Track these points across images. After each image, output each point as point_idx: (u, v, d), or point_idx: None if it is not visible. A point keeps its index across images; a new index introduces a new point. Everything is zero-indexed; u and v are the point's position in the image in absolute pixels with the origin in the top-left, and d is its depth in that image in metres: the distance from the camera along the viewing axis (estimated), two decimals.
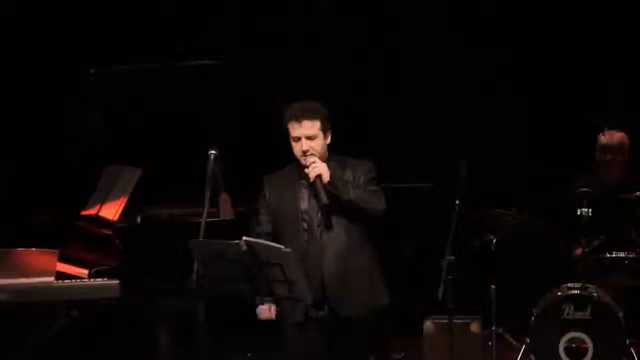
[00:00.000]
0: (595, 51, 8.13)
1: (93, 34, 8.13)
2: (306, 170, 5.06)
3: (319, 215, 5.09)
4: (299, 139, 5.08)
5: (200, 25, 8.29)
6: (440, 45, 8.35)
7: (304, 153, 5.07)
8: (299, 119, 5.07)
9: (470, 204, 6.20)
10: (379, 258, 5.24)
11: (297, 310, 5.05)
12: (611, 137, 6.86)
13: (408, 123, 8.34)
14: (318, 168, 5.03)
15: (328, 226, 5.08)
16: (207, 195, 4.96)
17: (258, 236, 5.06)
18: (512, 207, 6.84)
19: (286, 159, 5.33)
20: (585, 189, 6.58)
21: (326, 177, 5.03)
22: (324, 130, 5.11)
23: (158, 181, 6.50)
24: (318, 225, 5.10)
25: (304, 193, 5.14)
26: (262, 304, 5.08)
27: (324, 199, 5.00)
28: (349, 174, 5.13)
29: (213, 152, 5.05)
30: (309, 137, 5.08)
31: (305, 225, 5.11)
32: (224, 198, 6.39)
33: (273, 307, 5.10)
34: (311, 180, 5.04)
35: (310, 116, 5.08)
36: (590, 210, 6.55)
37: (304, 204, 5.13)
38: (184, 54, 7.20)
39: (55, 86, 7.93)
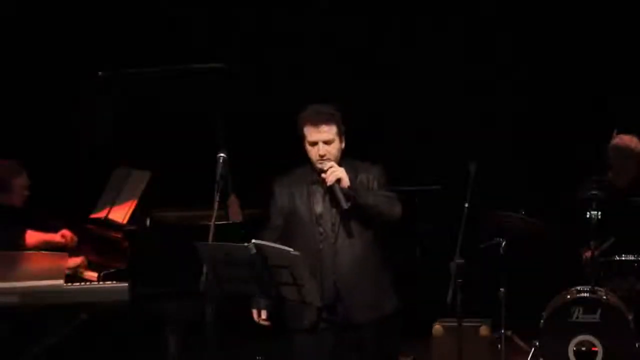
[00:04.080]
0: (608, 53, 8.13)
1: (101, 37, 8.15)
2: (323, 175, 5.00)
3: (334, 219, 5.05)
4: (315, 143, 5.02)
5: (208, 28, 8.31)
6: (448, 47, 8.36)
7: (321, 157, 5.01)
8: (316, 123, 5.01)
9: (479, 206, 6.19)
10: (389, 263, 5.23)
11: (308, 314, 5.02)
12: (623, 140, 6.84)
13: (416, 125, 8.34)
14: (337, 172, 4.97)
15: (349, 232, 5.04)
16: (216, 197, 4.96)
17: (271, 235, 5.08)
18: (520, 210, 6.83)
19: (295, 161, 5.33)
20: (594, 192, 6.57)
21: (346, 181, 4.97)
22: (339, 134, 5.07)
23: (167, 184, 6.50)
24: (332, 230, 5.06)
25: (318, 197, 5.09)
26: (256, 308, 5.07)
27: (344, 203, 4.95)
28: (362, 178, 5.09)
29: (222, 154, 5.05)
30: (326, 142, 5.02)
31: (320, 229, 5.07)
32: (233, 200, 6.40)
33: (263, 313, 5.06)
34: (328, 184, 4.99)
35: (327, 120, 5.02)
36: (599, 213, 6.54)
37: (319, 208, 5.08)
38: (192, 57, 7.20)
39: (63, 88, 7.94)
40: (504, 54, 8.30)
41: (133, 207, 6.35)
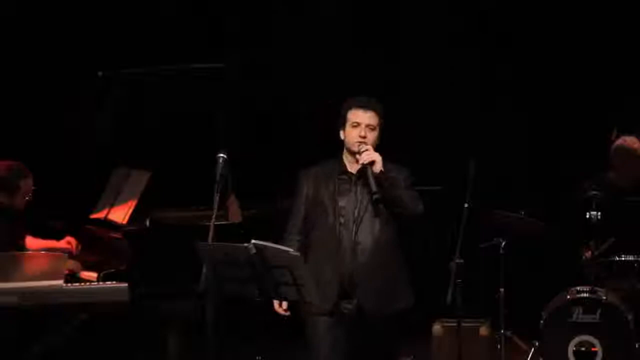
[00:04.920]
0: (607, 53, 8.12)
1: (101, 37, 8.15)
2: (357, 155, 5.12)
3: (356, 211, 5.15)
4: (359, 124, 5.16)
5: (208, 28, 8.31)
6: (449, 47, 8.35)
7: (362, 139, 5.14)
8: (366, 107, 5.19)
9: (478, 206, 6.19)
10: (405, 259, 5.28)
11: (325, 301, 5.06)
12: (626, 142, 6.84)
13: (416, 125, 8.33)
14: (373, 155, 5.10)
15: (370, 225, 5.15)
16: (216, 198, 4.97)
17: (292, 229, 5.24)
18: (520, 210, 6.83)
19: (295, 161, 5.34)
20: (594, 192, 6.57)
21: (379, 166, 5.09)
22: (380, 128, 5.21)
23: (167, 184, 6.50)
24: (354, 221, 5.16)
25: (343, 189, 5.21)
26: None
27: (374, 186, 5.06)
28: (391, 174, 5.18)
29: (222, 155, 5.06)
30: (369, 126, 5.17)
31: (342, 219, 5.17)
32: (233, 201, 6.41)
33: (284, 303, 5.12)
34: (362, 162, 5.09)
35: (376, 109, 5.21)
36: (599, 213, 6.54)
37: (343, 200, 5.19)
38: (192, 57, 7.21)
39: (63, 88, 7.94)
40: (505, 52, 8.29)
41: (133, 207, 6.36)
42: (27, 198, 6.19)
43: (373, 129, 5.18)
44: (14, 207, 6.14)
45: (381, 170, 5.09)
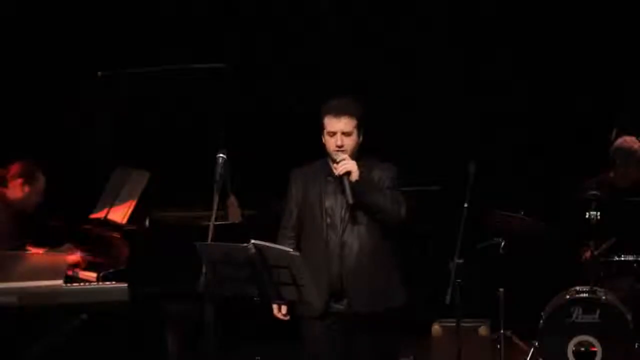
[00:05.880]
0: (607, 53, 8.12)
1: (101, 37, 8.15)
2: (335, 165, 5.10)
3: (343, 212, 5.13)
4: (334, 133, 5.11)
5: (208, 28, 8.31)
6: (448, 47, 8.36)
7: (338, 148, 5.09)
8: (338, 114, 5.10)
9: (479, 206, 6.19)
10: (399, 259, 5.26)
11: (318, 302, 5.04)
12: (627, 142, 6.84)
13: (416, 125, 8.34)
14: (348, 165, 5.06)
15: (354, 221, 5.12)
16: (216, 198, 4.97)
17: (284, 229, 5.23)
18: (520, 210, 6.83)
19: (295, 161, 5.34)
20: (593, 192, 6.58)
21: (355, 175, 5.06)
22: (359, 129, 5.15)
23: (167, 184, 6.50)
24: (341, 222, 5.14)
25: (330, 189, 5.18)
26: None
27: (350, 198, 5.04)
28: (375, 175, 5.16)
29: (221, 155, 5.06)
30: (344, 133, 5.10)
31: (328, 220, 5.15)
32: (232, 201, 6.41)
33: (283, 308, 5.12)
34: (338, 174, 5.07)
35: (350, 113, 5.12)
36: (598, 213, 6.54)
37: (329, 201, 5.17)
38: (193, 57, 7.21)
39: (63, 88, 7.95)
40: (505, 54, 8.29)
41: (132, 207, 6.36)
42: (39, 196, 6.24)
43: (349, 134, 5.10)
44: (25, 205, 6.18)
45: (357, 180, 5.05)
